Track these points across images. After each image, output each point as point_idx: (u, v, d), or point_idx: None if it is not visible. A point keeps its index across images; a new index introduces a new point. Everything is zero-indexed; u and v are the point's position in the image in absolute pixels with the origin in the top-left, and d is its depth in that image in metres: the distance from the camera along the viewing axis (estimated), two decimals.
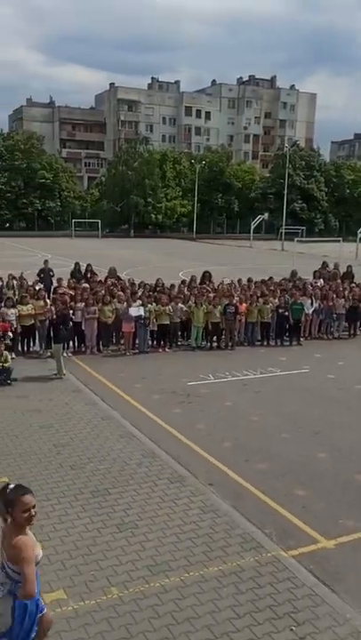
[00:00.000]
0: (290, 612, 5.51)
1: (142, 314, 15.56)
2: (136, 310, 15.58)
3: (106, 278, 19.15)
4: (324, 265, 23.04)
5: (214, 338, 16.63)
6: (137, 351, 15.80)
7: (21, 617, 4.20)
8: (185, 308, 16.30)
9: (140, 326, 15.74)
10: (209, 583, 5.86)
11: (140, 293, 16.59)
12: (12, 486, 4.26)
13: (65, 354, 13.78)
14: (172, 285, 18.18)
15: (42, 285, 18.24)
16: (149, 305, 15.94)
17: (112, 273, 19.70)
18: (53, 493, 7.69)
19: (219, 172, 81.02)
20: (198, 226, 77.95)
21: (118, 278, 19.37)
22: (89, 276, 20.30)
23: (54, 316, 13.67)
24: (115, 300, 16.09)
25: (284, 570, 6.15)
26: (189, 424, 10.24)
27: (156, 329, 16.16)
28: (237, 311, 16.53)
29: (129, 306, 15.65)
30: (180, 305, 16.30)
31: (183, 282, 19.01)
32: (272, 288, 18.34)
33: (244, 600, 5.65)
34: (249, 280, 19.43)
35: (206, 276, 19.78)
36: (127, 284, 18.08)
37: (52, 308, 14.52)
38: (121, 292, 16.64)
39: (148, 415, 10.70)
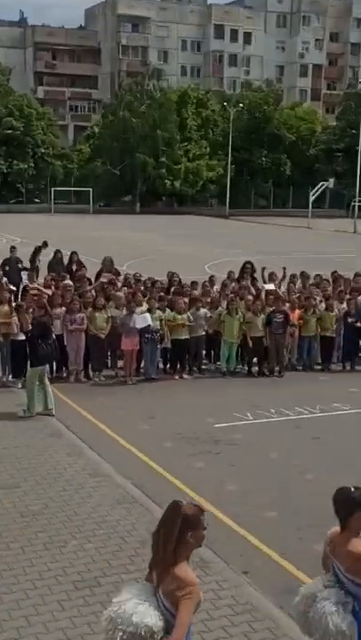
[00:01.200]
0: None
1: (150, 324, 15.69)
2: (142, 319, 15.67)
3: (99, 273, 19.08)
4: None
5: (255, 359, 16.85)
6: (142, 378, 16.08)
7: None
8: (209, 315, 16.58)
9: (148, 342, 15.84)
10: None
11: (144, 296, 16.76)
12: (353, 489, 5.19)
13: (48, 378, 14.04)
14: (194, 283, 18.26)
15: (6, 282, 18.44)
16: (160, 312, 16.07)
17: (108, 265, 19.63)
18: (26, 575, 7.71)
19: (263, 120, 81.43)
20: (233, 197, 78.16)
21: (117, 273, 19.47)
22: (74, 269, 20.40)
23: (29, 327, 13.88)
24: (110, 303, 16.15)
25: None
26: (217, 484, 10.30)
27: (169, 346, 16.33)
28: (288, 321, 16.60)
29: (131, 312, 15.69)
30: (202, 310, 16.47)
31: (211, 279, 18.99)
32: (340, 288, 18.47)
33: None
34: (303, 275, 19.51)
35: (247, 270, 19.75)
36: (130, 282, 18.16)
37: (19, 317, 14.74)
38: (120, 293, 16.68)
39: (158, 471, 10.85)
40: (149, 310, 16.03)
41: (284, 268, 19.82)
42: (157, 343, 16.09)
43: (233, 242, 46.75)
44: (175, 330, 16.31)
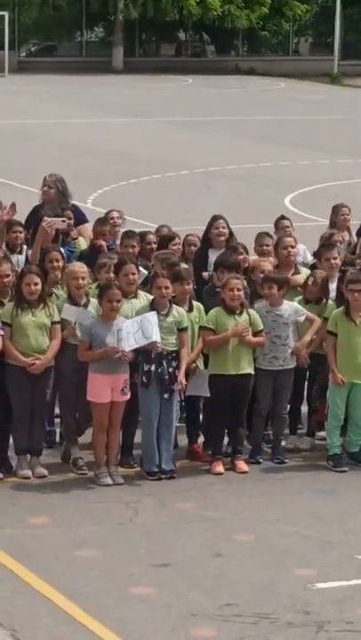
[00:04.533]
0: None
1: (157, 339, 10.33)
2: (134, 330, 10.38)
3: (31, 218, 13.33)
4: None
5: None
6: (136, 469, 10.83)
7: None
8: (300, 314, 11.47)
9: (149, 384, 10.54)
10: None
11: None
12: None
13: None
14: (263, 236, 12.59)
15: None
16: (177, 310, 10.68)
17: (55, 198, 13.64)
18: None
19: None
20: (350, 32, 59.18)
21: (69, 222, 13.38)
22: None
23: None
24: (58, 292, 11.05)
25: None
26: None
27: (207, 395, 11.10)
28: None
29: (111, 314, 10.39)
30: (289, 305, 11.31)
31: (280, 227, 13.70)
32: None
33: None
34: None
35: None
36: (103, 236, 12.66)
37: None
38: (78, 266, 11.15)
39: None
40: (155, 307, 10.46)
41: None
42: (172, 387, 10.42)
43: (354, 139, 34.16)
44: (220, 355, 10.68)
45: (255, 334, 10.60)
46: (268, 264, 11.66)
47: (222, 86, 53.03)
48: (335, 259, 11.82)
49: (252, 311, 10.81)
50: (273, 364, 10.86)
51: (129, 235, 12.36)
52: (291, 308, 11.10)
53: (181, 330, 10.40)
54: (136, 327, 10.11)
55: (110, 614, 7.79)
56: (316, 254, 12.59)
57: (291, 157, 31.24)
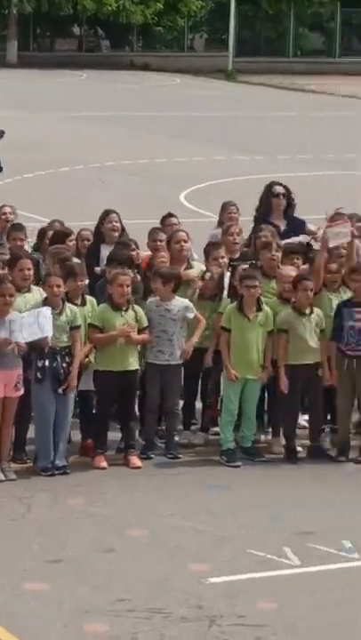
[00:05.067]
0: None
1: (49, 334, 10.50)
2: (26, 321, 10.52)
3: None
4: None
5: (301, 418, 11.97)
6: (26, 462, 10.98)
7: None
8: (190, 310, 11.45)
9: (45, 379, 10.60)
10: None
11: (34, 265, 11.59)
12: None
13: None
14: (155, 232, 12.76)
15: None
16: (71, 309, 10.94)
17: None
18: None
19: None
20: (246, 29, 59.43)
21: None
22: None
23: None
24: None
25: None
26: None
27: (92, 388, 11.36)
28: None
29: (2, 309, 10.44)
30: (181, 301, 11.37)
31: (168, 222, 13.79)
32: None
33: None
34: None
35: (275, 204, 14.22)
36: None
37: None
38: None
39: None
40: (48, 305, 10.50)
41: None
42: (63, 380, 10.46)
43: (250, 135, 34.67)
44: (108, 352, 10.83)
45: (140, 331, 10.68)
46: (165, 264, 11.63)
47: (117, 81, 52.76)
48: (223, 257, 11.84)
49: (137, 308, 10.85)
50: (159, 359, 10.92)
51: (17, 228, 12.37)
52: (181, 304, 11.11)
53: (74, 328, 10.43)
54: (32, 320, 10.14)
55: (2, 610, 7.66)
56: (203, 252, 12.46)
57: (186, 153, 31.10)
